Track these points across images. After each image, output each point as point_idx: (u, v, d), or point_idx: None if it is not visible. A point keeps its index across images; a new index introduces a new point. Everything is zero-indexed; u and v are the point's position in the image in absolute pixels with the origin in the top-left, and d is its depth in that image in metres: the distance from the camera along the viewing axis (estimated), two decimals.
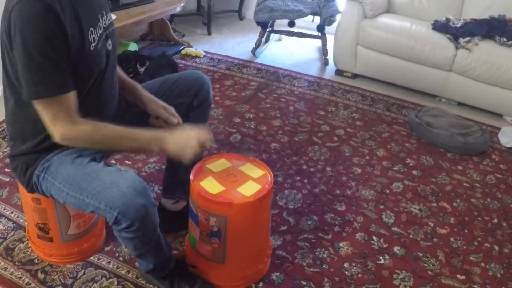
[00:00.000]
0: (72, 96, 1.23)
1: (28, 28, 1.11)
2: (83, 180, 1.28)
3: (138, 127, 1.55)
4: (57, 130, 1.23)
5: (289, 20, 3.67)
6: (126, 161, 2.22)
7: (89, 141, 1.28)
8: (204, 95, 1.68)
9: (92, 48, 1.26)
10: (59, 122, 1.22)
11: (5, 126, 2.02)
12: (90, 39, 1.26)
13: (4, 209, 1.89)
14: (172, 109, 1.57)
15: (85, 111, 1.32)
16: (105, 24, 1.35)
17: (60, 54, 1.17)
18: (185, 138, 1.35)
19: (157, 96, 1.60)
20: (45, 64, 1.15)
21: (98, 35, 1.30)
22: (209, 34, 4.06)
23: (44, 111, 1.21)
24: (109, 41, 1.37)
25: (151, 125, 1.60)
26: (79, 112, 1.26)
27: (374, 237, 1.91)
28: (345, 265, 1.76)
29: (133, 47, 3.37)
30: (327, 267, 1.75)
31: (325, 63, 3.63)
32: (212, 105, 2.79)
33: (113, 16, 2.89)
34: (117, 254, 1.72)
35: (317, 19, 3.58)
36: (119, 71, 1.58)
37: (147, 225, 1.29)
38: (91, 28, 1.26)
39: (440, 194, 2.22)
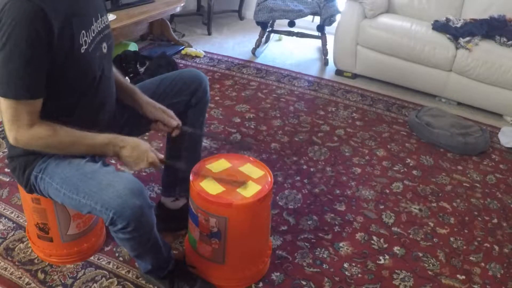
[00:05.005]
0: (38, 103, 1.21)
1: (14, 28, 1.11)
2: (79, 180, 1.28)
3: (135, 129, 1.55)
4: (12, 132, 1.21)
5: (289, 20, 3.66)
6: None
7: (43, 146, 1.26)
8: (202, 93, 1.68)
9: (83, 51, 1.25)
10: (16, 124, 1.20)
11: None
12: (81, 42, 1.25)
13: (4, 209, 1.89)
14: (171, 112, 1.56)
15: (81, 114, 1.32)
16: (99, 27, 1.34)
17: (39, 60, 1.15)
18: (142, 152, 1.33)
19: (156, 94, 1.60)
20: (21, 66, 1.14)
21: (91, 38, 1.29)
22: (209, 34, 4.06)
23: (6, 111, 1.19)
24: (104, 44, 1.36)
25: (149, 127, 1.60)
26: (53, 114, 1.24)
27: (374, 237, 1.91)
28: (345, 265, 1.76)
29: (133, 47, 3.36)
30: (327, 267, 1.75)
31: (325, 63, 3.63)
32: (212, 105, 2.81)
33: (113, 16, 2.93)
34: (117, 254, 1.72)
35: (317, 19, 3.57)
36: (117, 74, 1.57)
37: (143, 226, 1.29)
38: (83, 31, 1.25)
39: (440, 194, 2.22)
